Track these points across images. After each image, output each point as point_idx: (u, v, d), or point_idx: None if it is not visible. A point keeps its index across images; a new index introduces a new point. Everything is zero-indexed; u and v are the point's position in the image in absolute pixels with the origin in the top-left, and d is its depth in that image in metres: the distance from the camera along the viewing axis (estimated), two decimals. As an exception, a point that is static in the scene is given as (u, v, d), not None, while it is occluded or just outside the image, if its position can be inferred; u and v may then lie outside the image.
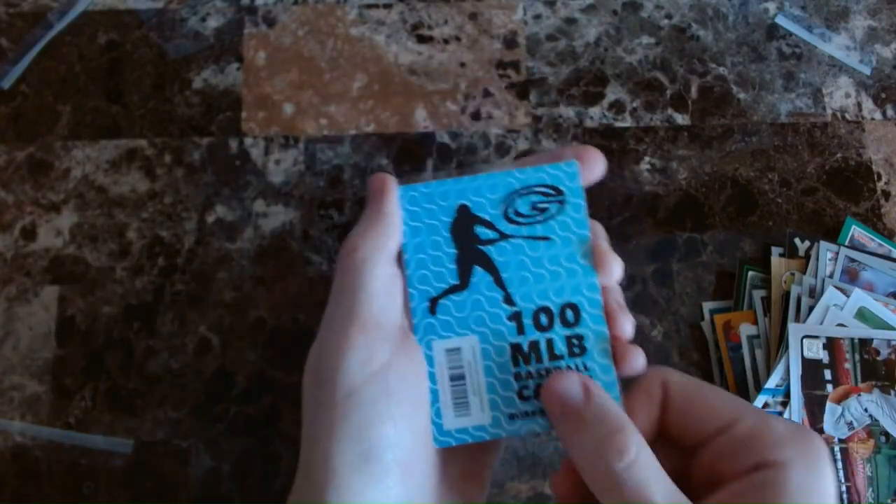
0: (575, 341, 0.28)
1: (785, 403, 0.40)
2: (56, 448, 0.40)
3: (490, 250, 0.29)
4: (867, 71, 0.49)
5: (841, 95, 0.49)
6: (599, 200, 0.46)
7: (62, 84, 0.47)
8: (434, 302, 0.29)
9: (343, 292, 0.27)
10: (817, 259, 0.43)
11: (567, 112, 0.47)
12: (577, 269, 0.29)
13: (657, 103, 0.48)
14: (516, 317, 0.29)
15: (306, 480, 0.26)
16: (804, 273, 0.43)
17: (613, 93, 0.48)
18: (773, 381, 0.41)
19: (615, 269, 0.29)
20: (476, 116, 0.47)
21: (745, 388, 0.42)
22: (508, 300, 0.29)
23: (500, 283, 0.29)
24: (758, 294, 0.43)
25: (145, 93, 0.47)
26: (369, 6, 0.49)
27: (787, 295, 0.43)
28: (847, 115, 0.48)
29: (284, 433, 0.41)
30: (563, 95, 0.48)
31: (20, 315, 0.42)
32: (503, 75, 0.48)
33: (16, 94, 0.46)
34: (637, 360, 0.28)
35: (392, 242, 0.28)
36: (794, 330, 0.41)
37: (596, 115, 0.47)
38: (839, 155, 0.47)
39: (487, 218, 0.29)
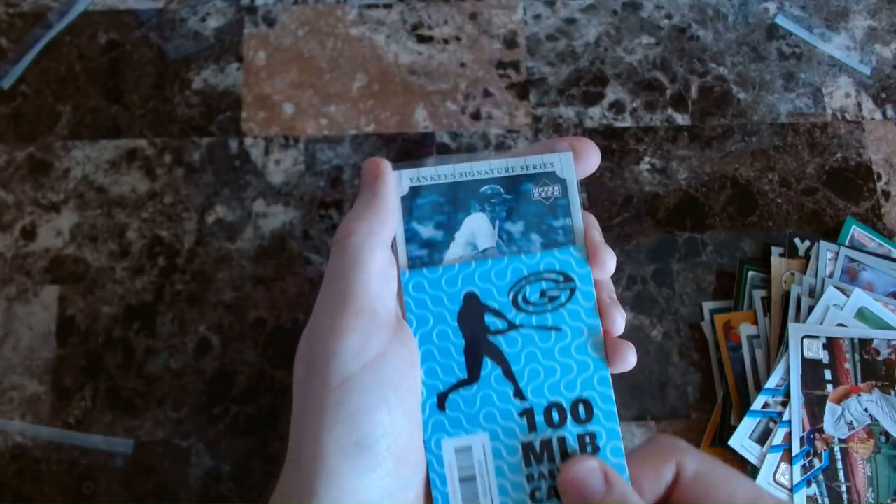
0: (587, 439, 0.27)
1: (785, 403, 0.40)
2: (56, 448, 0.40)
3: (499, 341, 0.28)
4: (867, 71, 0.49)
5: (841, 95, 0.49)
6: (599, 200, 0.46)
7: (62, 84, 0.47)
8: (443, 397, 0.28)
9: (337, 277, 0.27)
10: (817, 259, 0.43)
11: (567, 112, 0.47)
12: (589, 362, 0.28)
13: (657, 103, 0.48)
14: (527, 413, 0.28)
15: (295, 468, 0.26)
16: (804, 273, 0.43)
17: (613, 93, 0.48)
18: (773, 381, 0.41)
19: (608, 262, 0.28)
20: (476, 116, 0.47)
21: (745, 388, 0.42)
22: (519, 394, 0.28)
23: (510, 375, 0.28)
24: (758, 294, 0.43)
25: (145, 93, 0.47)
26: (369, 6, 0.49)
27: (787, 295, 0.43)
28: (847, 115, 0.48)
29: (284, 433, 0.41)
30: (563, 95, 0.48)
31: (20, 315, 0.42)
32: (503, 75, 0.48)
33: (16, 94, 0.46)
34: (628, 357, 0.28)
35: (388, 227, 0.28)
36: (794, 330, 0.41)
37: (596, 115, 0.47)
38: (839, 155, 0.47)
39: (496, 306, 0.28)
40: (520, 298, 0.28)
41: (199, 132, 0.46)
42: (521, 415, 0.28)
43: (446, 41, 0.49)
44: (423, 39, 0.49)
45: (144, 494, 0.40)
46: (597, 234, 0.29)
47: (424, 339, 0.28)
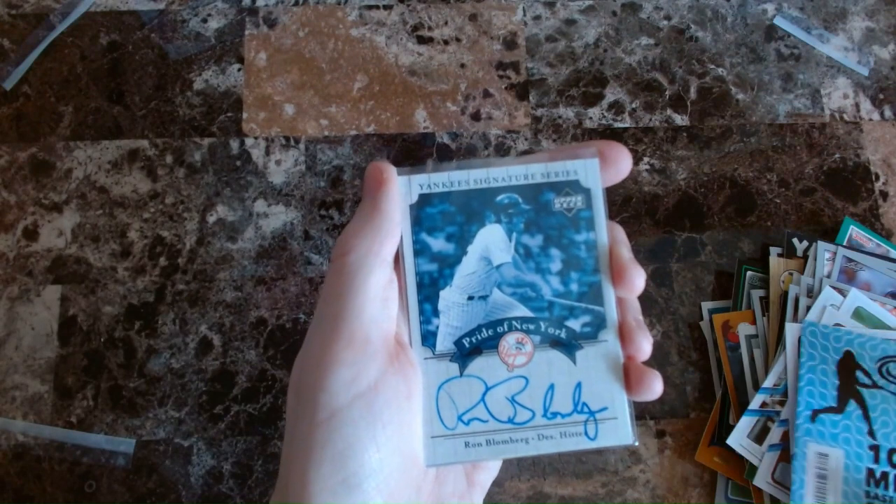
0: None
1: (783, 402, 0.40)
2: (58, 447, 0.41)
3: (863, 392, 0.39)
4: (865, 72, 0.49)
5: (839, 96, 0.49)
6: (599, 201, 0.46)
7: (64, 85, 0.47)
8: (815, 413, 0.39)
9: (332, 300, 0.25)
10: (815, 259, 0.43)
11: (566, 113, 0.48)
12: None
13: (656, 104, 0.48)
14: (874, 448, 0.38)
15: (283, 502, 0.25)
16: (802, 273, 0.43)
17: (613, 93, 0.48)
18: (770, 380, 0.41)
19: (637, 281, 0.26)
20: (476, 117, 0.47)
21: (743, 387, 0.42)
22: (871, 434, 0.38)
23: (866, 418, 0.38)
24: (756, 294, 0.44)
25: (147, 93, 0.47)
26: (370, 7, 0.49)
27: (785, 295, 0.43)
28: (845, 116, 0.48)
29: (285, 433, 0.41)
30: (563, 96, 0.48)
31: (22, 315, 0.43)
32: (503, 76, 0.48)
33: (18, 95, 0.47)
34: (654, 386, 0.26)
35: (389, 243, 0.26)
36: (791, 329, 0.41)
37: (595, 115, 0.48)
38: (837, 155, 0.48)
39: (866, 367, 0.39)
40: (884, 369, 0.39)
41: (200, 133, 0.46)
42: (870, 448, 0.38)
43: (446, 42, 0.49)
44: (423, 40, 0.49)
45: (146, 493, 0.40)
46: (624, 250, 0.27)
47: (810, 370, 0.40)
